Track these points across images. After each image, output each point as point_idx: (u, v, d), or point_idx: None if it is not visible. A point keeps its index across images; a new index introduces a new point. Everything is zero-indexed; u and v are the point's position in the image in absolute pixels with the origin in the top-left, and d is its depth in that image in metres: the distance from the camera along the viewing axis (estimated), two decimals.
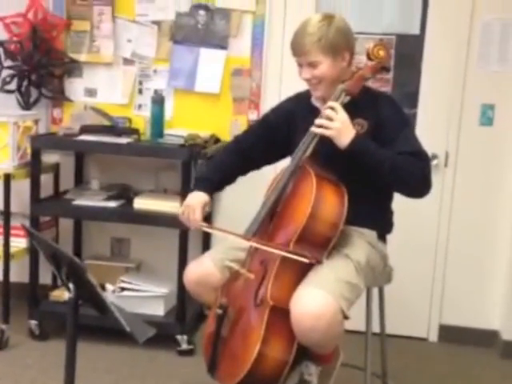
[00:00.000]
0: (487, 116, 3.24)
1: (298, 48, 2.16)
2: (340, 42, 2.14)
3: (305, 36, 2.12)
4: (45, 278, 3.22)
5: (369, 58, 2.19)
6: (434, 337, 3.41)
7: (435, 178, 3.14)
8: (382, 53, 2.18)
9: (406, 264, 3.16)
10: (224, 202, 3.41)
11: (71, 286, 1.63)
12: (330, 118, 2.05)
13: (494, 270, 3.32)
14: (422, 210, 3.17)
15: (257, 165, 2.45)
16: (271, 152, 2.40)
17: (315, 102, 2.28)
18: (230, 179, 2.41)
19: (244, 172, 2.42)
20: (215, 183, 2.34)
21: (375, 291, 2.43)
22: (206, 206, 2.27)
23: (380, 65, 2.19)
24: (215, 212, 3.43)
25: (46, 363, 2.90)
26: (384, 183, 2.15)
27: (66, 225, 3.48)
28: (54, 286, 3.32)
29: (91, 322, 2.40)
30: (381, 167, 2.06)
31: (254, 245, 2.06)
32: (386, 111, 2.18)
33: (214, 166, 2.43)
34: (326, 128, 2.05)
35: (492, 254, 3.31)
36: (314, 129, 2.09)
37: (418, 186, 2.12)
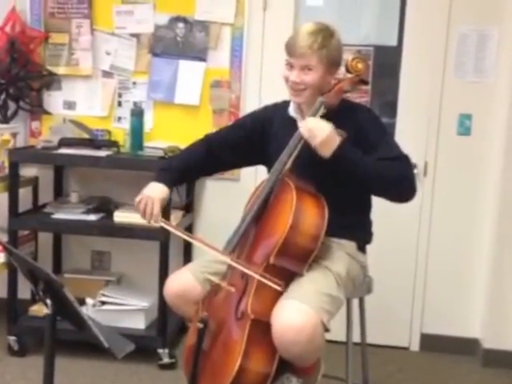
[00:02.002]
0: (465, 126, 3.28)
1: (297, 48, 2.12)
2: (337, 57, 2.16)
3: (308, 40, 2.10)
4: (23, 292, 3.18)
5: (347, 70, 2.19)
6: (415, 346, 3.43)
7: None
8: (360, 65, 2.18)
9: (387, 274, 3.17)
10: (204, 214, 3.40)
11: (48, 302, 1.61)
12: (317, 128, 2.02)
13: (474, 279, 3.34)
14: (401, 220, 3.19)
15: (223, 167, 2.44)
16: (240, 157, 2.38)
17: (292, 113, 2.28)
18: (191, 175, 2.38)
19: (209, 172, 2.40)
20: (178, 176, 2.30)
21: (356, 301, 2.43)
22: (165, 200, 2.23)
23: (358, 77, 2.20)
24: (195, 225, 3.41)
25: (25, 379, 2.86)
26: (370, 190, 2.15)
27: (46, 238, 3.44)
28: (33, 301, 3.28)
29: (71, 336, 2.38)
30: (368, 173, 2.06)
31: (231, 262, 2.04)
32: (365, 120, 2.19)
33: (177, 159, 2.39)
34: (313, 136, 2.02)
35: (472, 263, 3.34)
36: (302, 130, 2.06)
37: (404, 189, 2.12)
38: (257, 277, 1.96)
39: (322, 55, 2.11)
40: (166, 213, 2.24)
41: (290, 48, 2.14)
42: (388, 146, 2.14)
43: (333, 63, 2.15)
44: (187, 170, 2.34)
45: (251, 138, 2.34)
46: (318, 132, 2.02)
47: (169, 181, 2.26)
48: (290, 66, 2.16)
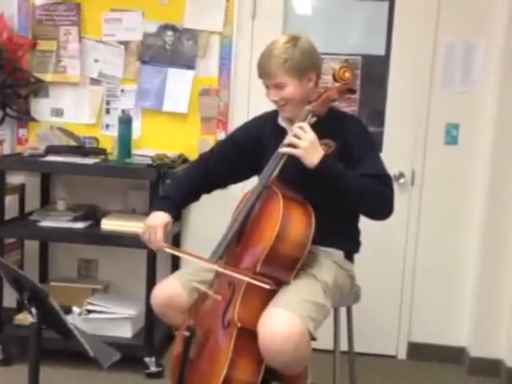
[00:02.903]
0: (452, 135, 3.29)
1: (264, 70, 2.17)
2: (306, 63, 2.15)
3: (270, 58, 2.14)
4: (9, 301, 3.15)
5: (335, 79, 2.20)
6: (402, 354, 3.43)
7: (402, 197, 3.23)
8: (347, 74, 2.19)
9: (374, 283, 3.17)
10: (192, 222, 3.39)
11: (34, 310, 1.60)
12: (298, 137, 2.04)
13: (461, 288, 3.35)
14: (389, 229, 3.17)
15: (222, 183, 2.46)
16: (237, 171, 2.40)
17: (282, 123, 2.29)
18: (193, 197, 2.40)
19: (208, 190, 2.42)
20: (176, 202, 2.31)
21: (343, 310, 2.43)
22: (167, 225, 2.23)
23: (346, 86, 2.21)
24: (183, 233, 3.41)
25: None
26: (349, 204, 2.16)
27: (32, 246, 3.42)
28: (19, 310, 3.25)
29: (56, 345, 2.36)
30: (347, 189, 2.07)
31: (219, 269, 2.04)
32: (353, 132, 2.20)
33: (176, 185, 2.43)
34: (294, 147, 2.05)
35: (459, 272, 3.35)
36: (281, 149, 2.08)
37: (382, 209, 2.15)
38: (246, 279, 1.95)
39: (286, 69, 2.12)
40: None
41: (258, 71, 2.20)
42: (372, 163, 2.15)
43: (303, 70, 2.15)
44: (188, 194, 2.37)
45: (244, 152, 2.35)
46: (301, 141, 2.03)
47: (169, 207, 2.26)
48: (266, 87, 2.20)
